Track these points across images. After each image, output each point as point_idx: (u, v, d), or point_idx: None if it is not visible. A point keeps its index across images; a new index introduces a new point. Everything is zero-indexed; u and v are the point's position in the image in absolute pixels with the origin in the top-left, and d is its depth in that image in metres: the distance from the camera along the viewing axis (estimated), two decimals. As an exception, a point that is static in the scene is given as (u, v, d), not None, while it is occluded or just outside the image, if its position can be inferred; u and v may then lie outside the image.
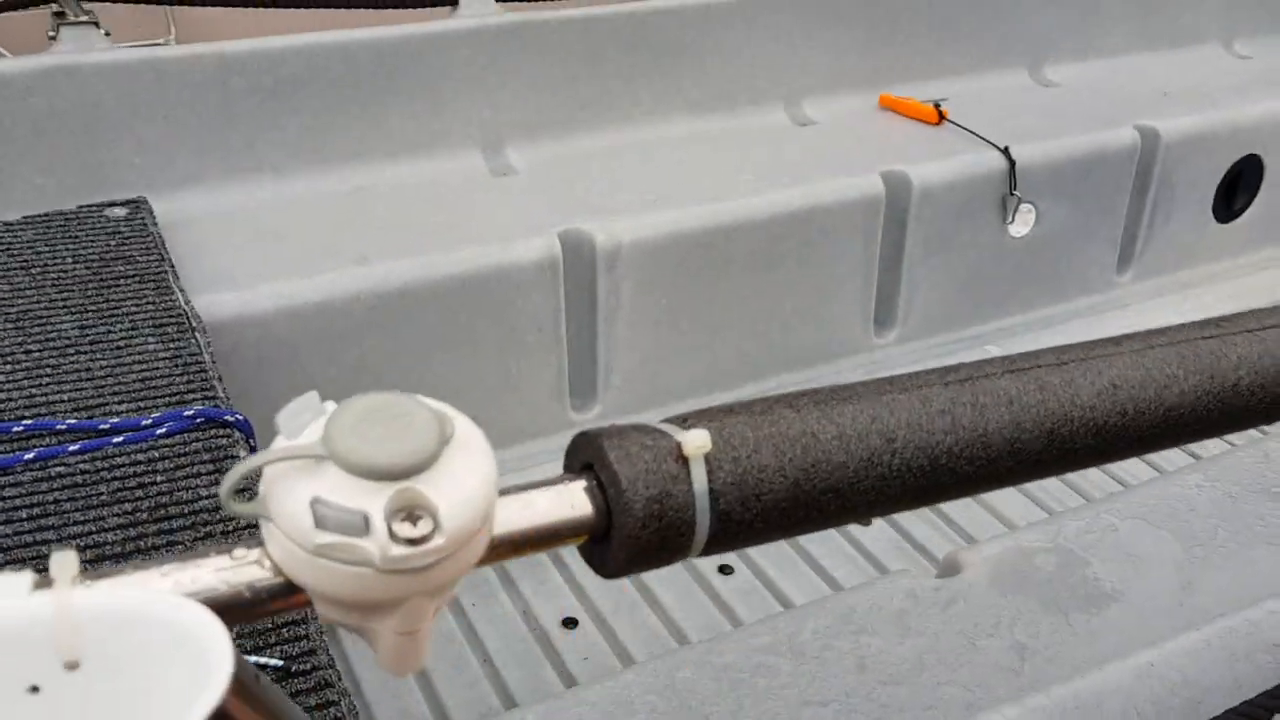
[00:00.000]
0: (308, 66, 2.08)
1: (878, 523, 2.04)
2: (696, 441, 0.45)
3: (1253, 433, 2.42)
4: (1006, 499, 2.07)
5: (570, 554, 1.95)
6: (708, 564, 1.91)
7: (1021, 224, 2.51)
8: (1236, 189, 2.83)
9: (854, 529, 1.99)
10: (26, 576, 0.36)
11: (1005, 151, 2.42)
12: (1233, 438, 2.38)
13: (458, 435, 0.39)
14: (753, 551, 1.95)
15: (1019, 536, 1.22)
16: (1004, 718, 0.84)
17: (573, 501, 0.45)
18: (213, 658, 0.34)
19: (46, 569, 0.37)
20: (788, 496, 0.47)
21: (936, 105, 2.57)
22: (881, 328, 2.47)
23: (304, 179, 2.10)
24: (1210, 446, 2.20)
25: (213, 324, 1.66)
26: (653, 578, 1.88)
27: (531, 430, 2.12)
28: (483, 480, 0.39)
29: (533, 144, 2.33)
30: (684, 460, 0.45)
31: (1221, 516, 1.24)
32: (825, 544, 1.95)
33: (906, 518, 2.02)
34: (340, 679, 1.02)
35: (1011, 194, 2.43)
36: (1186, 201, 2.74)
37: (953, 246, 2.44)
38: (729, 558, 1.94)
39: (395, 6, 2.15)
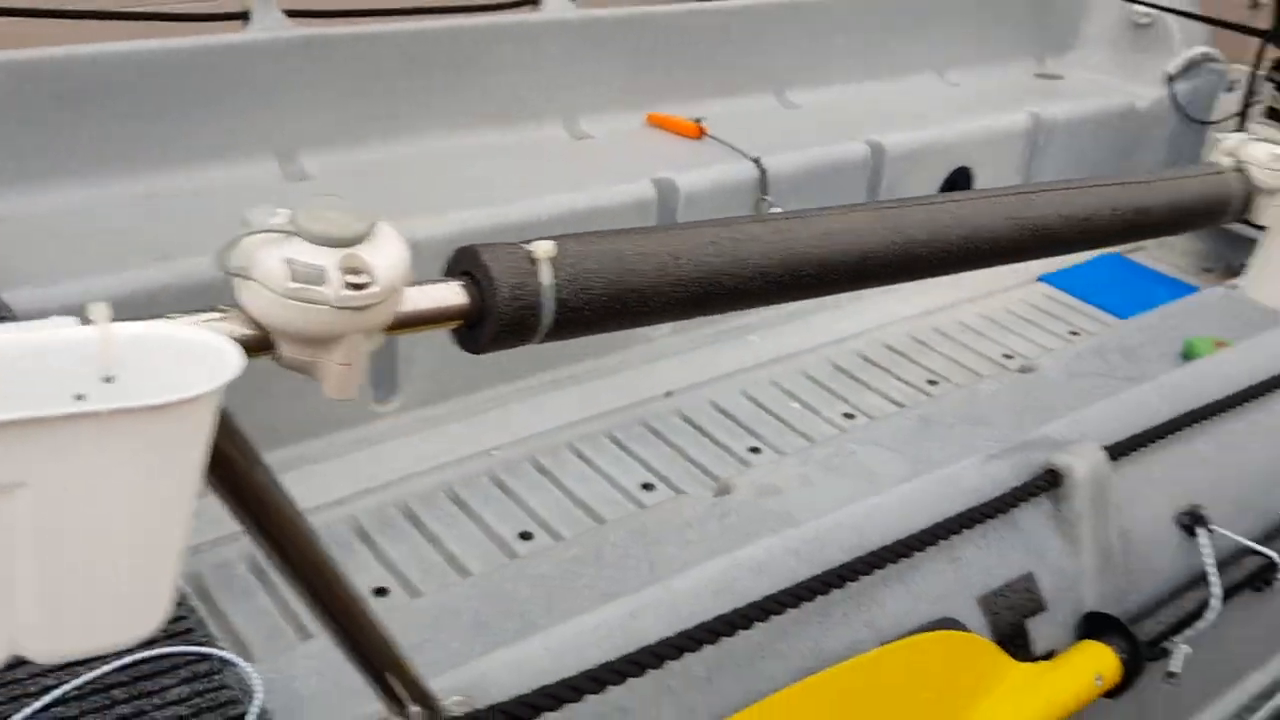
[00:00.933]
0: (102, 75, 2.13)
1: (672, 453, 2.32)
2: (544, 248, 0.64)
3: (967, 374, 2.82)
4: (777, 432, 2.39)
5: (380, 530, 2.07)
6: (510, 533, 2.08)
7: (775, 225, 2.82)
8: (955, 188, 3.27)
9: (653, 458, 2.27)
10: (71, 319, 0.51)
11: (757, 161, 2.73)
12: (952, 381, 2.76)
13: (381, 226, 0.56)
14: (555, 518, 2.14)
15: (780, 462, 1.46)
16: (732, 561, 1.03)
17: (456, 293, 0.63)
18: (226, 359, 0.50)
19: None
20: (606, 293, 0.66)
21: (698, 122, 2.87)
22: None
23: (101, 183, 2.14)
24: (933, 390, 2.59)
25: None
26: (462, 550, 2.03)
27: (335, 422, 2.23)
28: (401, 253, 0.56)
29: (328, 152, 2.45)
30: (535, 262, 0.64)
31: (938, 440, 1.49)
32: (631, 474, 2.20)
33: (693, 448, 2.34)
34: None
35: (763, 198, 2.75)
36: (910, 205, 3.15)
37: (717, 246, 2.72)
38: (530, 524, 2.12)
39: (192, 20, 2.24)
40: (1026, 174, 3.41)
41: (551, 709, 0.77)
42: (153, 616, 0.49)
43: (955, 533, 1.05)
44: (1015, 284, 3.36)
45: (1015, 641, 1.08)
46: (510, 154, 2.68)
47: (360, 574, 1.93)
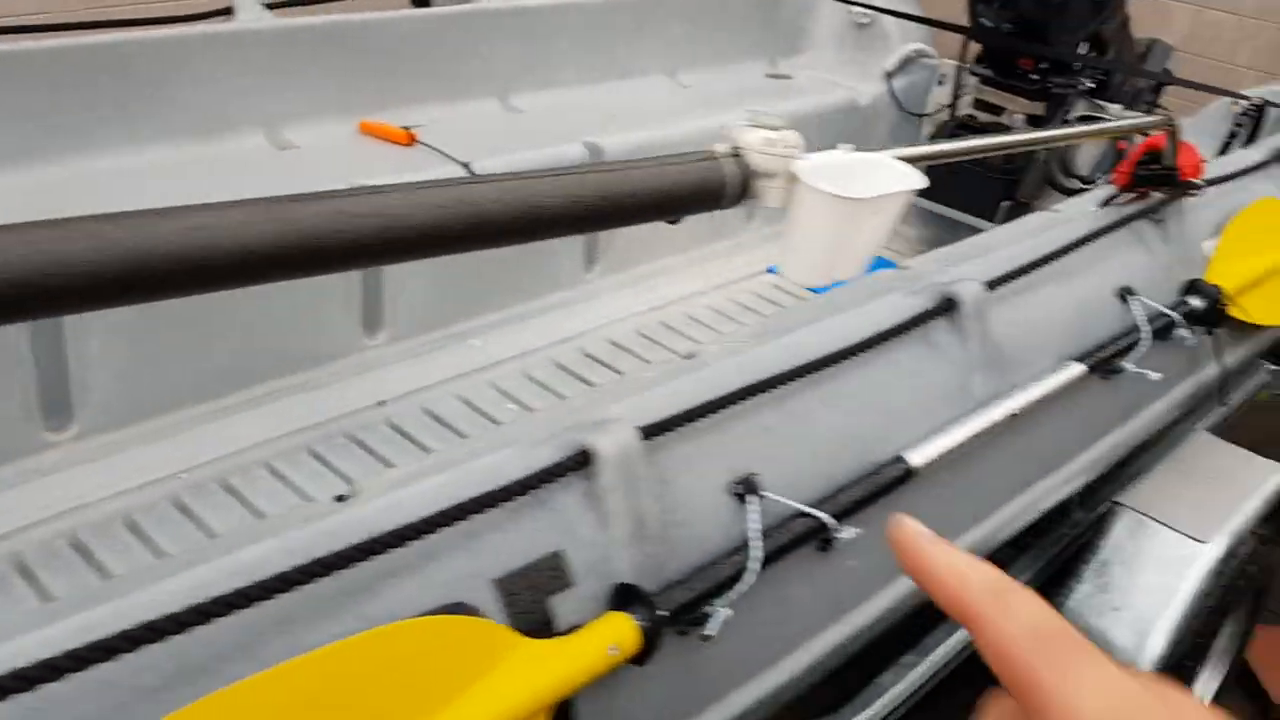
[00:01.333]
0: None
1: (375, 463, 2.33)
2: None
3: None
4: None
5: (43, 565, 1.99)
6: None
7: (489, 229, 2.84)
8: (678, 194, 3.36)
9: (355, 470, 2.26)
10: None
11: (466, 166, 2.75)
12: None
13: None
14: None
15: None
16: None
17: None
18: None
19: None
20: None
21: (408, 129, 2.87)
22: (371, 330, 2.70)
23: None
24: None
25: None
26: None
27: (2, 453, 2.13)
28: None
29: (14, 171, 2.33)
30: None
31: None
32: (328, 488, 2.17)
33: (400, 456, 2.36)
34: None
35: (474, 202, 2.76)
36: (637, 206, 3.22)
37: (428, 252, 2.72)
38: (210, 542, 2.07)
39: None
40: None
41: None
42: None
43: (471, 516, 1.07)
44: (746, 275, 3.48)
45: (539, 619, 1.11)
46: (209, 167, 2.62)
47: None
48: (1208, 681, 2.60)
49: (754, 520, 1.27)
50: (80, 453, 2.21)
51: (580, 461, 1.17)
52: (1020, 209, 3.41)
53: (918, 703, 2.07)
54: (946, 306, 1.62)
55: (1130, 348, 1.90)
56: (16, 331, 2.08)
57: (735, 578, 1.24)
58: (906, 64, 3.94)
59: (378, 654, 0.96)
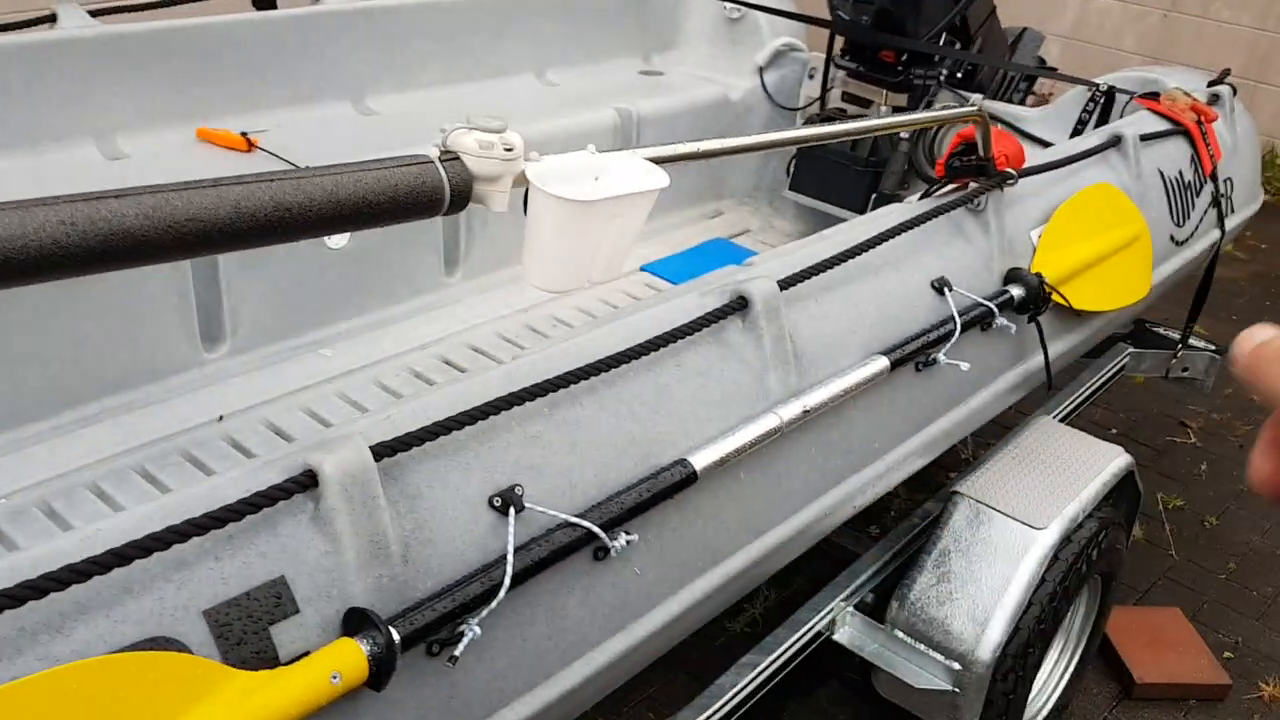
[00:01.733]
0: None
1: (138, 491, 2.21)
2: None
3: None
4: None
5: None
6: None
7: (337, 237, 2.78)
8: (541, 194, 3.32)
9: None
10: None
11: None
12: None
13: None
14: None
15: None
16: None
17: None
18: None
19: None
20: None
21: (245, 135, 2.79)
22: (211, 343, 2.62)
23: None
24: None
25: None
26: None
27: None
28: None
29: None
30: None
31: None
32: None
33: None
34: None
35: (317, 209, 2.69)
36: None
37: (269, 262, 2.65)
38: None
39: None
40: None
41: None
42: None
43: (181, 543, 1.02)
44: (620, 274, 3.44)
45: (254, 651, 1.06)
46: (37, 178, 2.52)
47: None
48: (1060, 663, 2.63)
49: (511, 533, 1.24)
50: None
51: (305, 483, 1.12)
52: (885, 200, 3.43)
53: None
54: (739, 305, 1.60)
55: (944, 339, 1.90)
56: None
57: (490, 594, 1.20)
58: (777, 58, 3.94)
59: (59, 694, 0.91)
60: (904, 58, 3.49)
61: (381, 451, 1.17)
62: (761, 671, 2.02)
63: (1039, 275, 2.11)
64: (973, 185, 2.08)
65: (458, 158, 1.13)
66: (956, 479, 2.33)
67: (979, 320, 1.98)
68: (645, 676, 1.86)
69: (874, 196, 3.56)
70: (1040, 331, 2.15)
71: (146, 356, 2.48)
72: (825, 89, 3.75)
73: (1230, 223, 3.01)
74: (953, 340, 1.88)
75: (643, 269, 3.49)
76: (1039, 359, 2.23)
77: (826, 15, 3.59)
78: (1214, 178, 2.89)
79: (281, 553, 1.11)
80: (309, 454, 1.14)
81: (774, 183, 3.89)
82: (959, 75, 3.68)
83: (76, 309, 2.33)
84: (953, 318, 1.91)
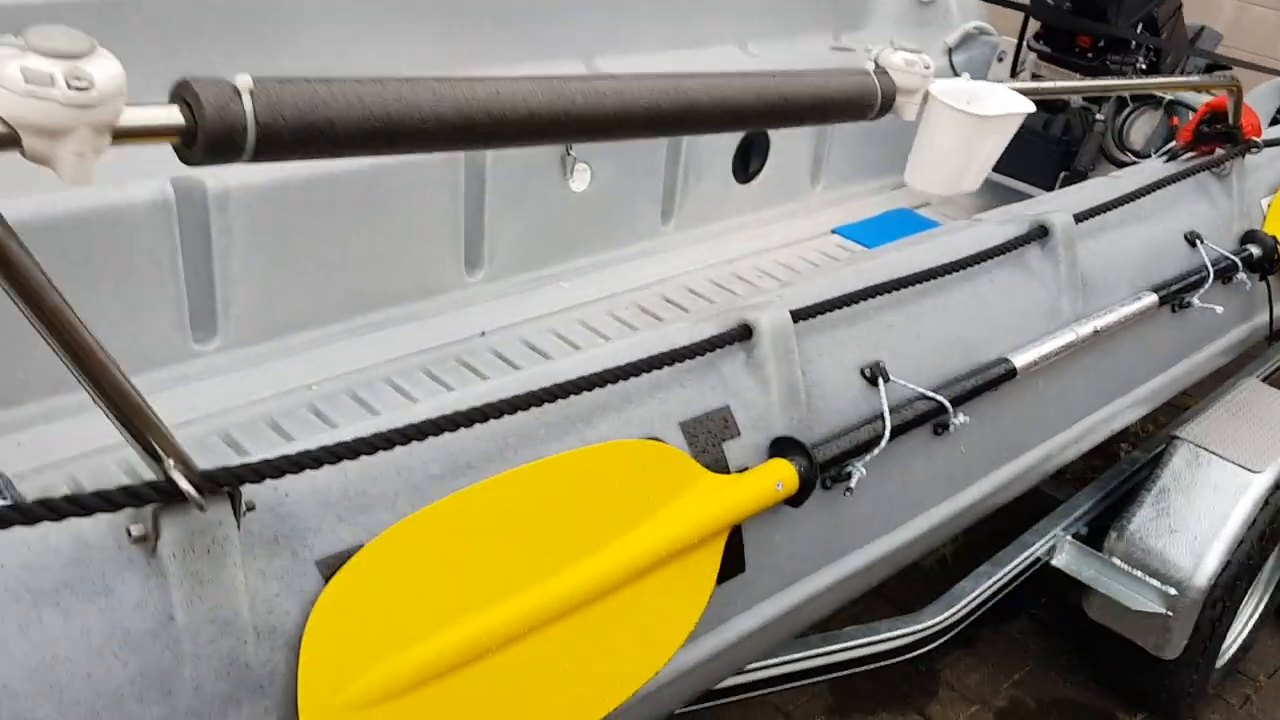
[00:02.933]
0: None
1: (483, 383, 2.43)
2: (245, 81, 0.82)
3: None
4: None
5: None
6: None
7: (579, 180, 3.03)
8: (749, 156, 3.54)
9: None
10: None
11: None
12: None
13: (99, 47, 0.73)
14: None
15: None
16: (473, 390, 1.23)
17: (174, 115, 0.80)
18: None
19: None
20: (301, 120, 0.84)
21: (505, 83, 3.05)
22: (472, 268, 2.89)
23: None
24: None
25: None
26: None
27: (157, 360, 2.33)
28: (117, 67, 0.73)
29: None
30: (238, 92, 0.82)
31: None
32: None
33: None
34: None
35: (568, 154, 2.95)
36: (712, 166, 3.41)
37: (526, 199, 2.91)
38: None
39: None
40: (816, 136, 3.70)
41: (296, 471, 0.95)
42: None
43: (658, 369, 1.27)
44: (811, 236, 3.65)
45: (714, 459, 1.30)
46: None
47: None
48: (1252, 604, 2.78)
49: (884, 398, 1.46)
50: (223, 364, 2.41)
51: (743, 334, 1.36)
52: (1077, 179, 3.58)
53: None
54: (1040, 234, 1.81)
55: (1197, 285, 2.08)
56: (170, 252, 2.28)
57: (870, 444, 1.43)
58: (966, 40, 4.10)
59: (596, 465, 1.15)
60: (1100, 44, 3.63)
61: (796, 315, 1.40)
62: (996, 581, 2.21)
63: (1274, 238, 2.27)
64: (1218, 151, 2.25)
65: (886, 72, 1.35)
66: (1172, 425, 2.50)
67: (1224, 273, 2.15)
68: (847, 607, 2.06)
69: (1063, 175, 3.71)
70: (1269, 289, 2.31)
71: (421, 276, 2.76)
72: (1015, 72, 3.90)
73: None
74: (1205, 286, 2.06)
75: (834, 231, 3.70)
76: (1263, 316, 2.39)
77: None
78: None
79: (725, 388, 1.34)
80: (745, 312, 1.37)
81: (958, 159, 4.05)
82: (1144, 66, 3.81)
83: (372, 228, 2.61)
84: (1205, 267, 2.08)
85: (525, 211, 2.92)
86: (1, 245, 0.73)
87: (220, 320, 2.41)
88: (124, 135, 0.76)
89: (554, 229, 3.03)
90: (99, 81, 0.72)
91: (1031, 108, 1.47)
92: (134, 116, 0.77)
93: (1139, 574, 2.35)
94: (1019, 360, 1.65)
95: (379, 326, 2.68)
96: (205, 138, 0.80)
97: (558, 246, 3.05)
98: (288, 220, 2.44)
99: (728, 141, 3.40)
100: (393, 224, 2.64)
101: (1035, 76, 3.89)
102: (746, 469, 1.31)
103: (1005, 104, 1.45)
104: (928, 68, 1.36)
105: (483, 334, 2.78)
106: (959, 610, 2.10)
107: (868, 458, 1.42)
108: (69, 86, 0.70)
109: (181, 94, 0.81)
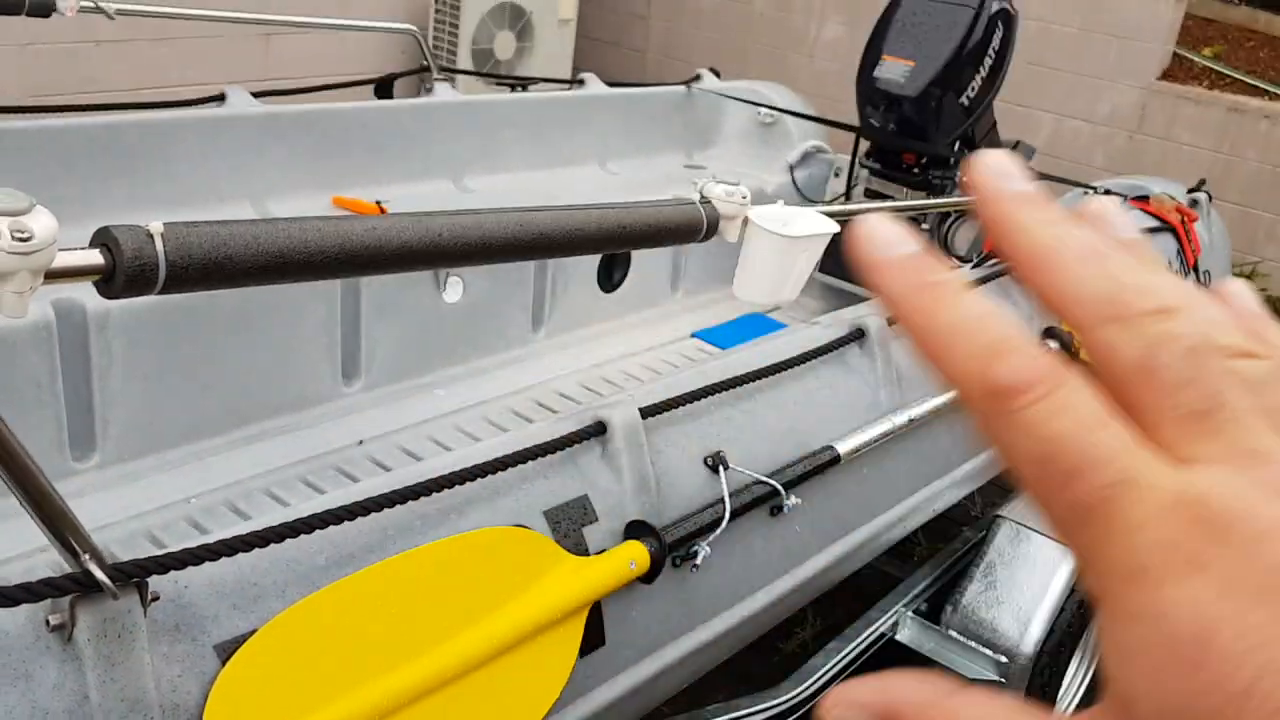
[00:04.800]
0: None
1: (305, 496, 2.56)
2: (156, 227, 0.98)
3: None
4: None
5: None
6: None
7: (453, 292, 3.21)
8: (613, 268, 3.78)
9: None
10: None
11: (433, 236, 3.12)
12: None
13: (38, 205, 0.88)
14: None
15: None
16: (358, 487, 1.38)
17: (96, 256, 0.95)
18: None
19: None
20: (205, 258, 1.00)
21: (378, 203, 3.23)
22: (349, 379, 3.02)
23: None
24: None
25: None
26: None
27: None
28: (52, 221, 0.88)
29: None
30: (150, 235, 0.97)
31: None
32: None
33: None
34: None
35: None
36: (578, 277, 3.63)
37: (401, 310, 3.07)
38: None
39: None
40: (673, 249, 3.97)
41: (196, 563, 1.07)
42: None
43: (523, 463, 1.43)
44: (672, 339, 3.89)
45: (575, 542, 1.46)
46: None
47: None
48: (1079, 670, 3.03)
49: (725, 484, 1.65)
50: (101, 480, 2.46)
51: (598, 430, 1.54)
52: (909, 282, 3.92)
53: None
54: (858, 335, 2.05)
55: (1003, 376, 2.36)
56: (50, 372, 2.35)
57: (714, 524, 1.61)
58: (806, 158, 4.47)
59: (468, 550, 1.31)
60: (923, 160, 4.03)
61: (645, 412, 1.59)
62: (843, 657, 2.40)
63: (1070, 332, 2.58)
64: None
65: (710, 202, 1.58)
66: (997, 507, 2.76)
67: (1027, 364, 2.44)
68: (710, 682, 2.22)
69: (897, 279, 4.06)
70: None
71: (298, 387, 2.87)
72: (850, 186, 4.27)
73: (1209, 307, 3.53)
74: (1010, 376, 2.33)
75: (693, 335, 3.94)
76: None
77: (849, 121, 4.13)
78: (1196, 269, 3.42)
79: (584, 478, 1.52)
80: (599, 410, 1.55)
81: (806, 266, 4.38)
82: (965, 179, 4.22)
83: (250, 343, 2.72)
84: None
85: (400, 322, 3.07)
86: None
87: (99, 438, 2.47)
88: (54, 275, 0.90)
89: (429, 339, 3.18)
90: (38, 232, 0.87)
91: (836, 228, 1.71)
92: (63, 259, 0.91)
93: (973, 644, 2.58)
94: (843, 447, 1.87)
95: (258, 439, 2.77)
96: (123, 276, 0.94)
97: (432, 355, 3.20)
98: (166, 337, 2.54)
99: (591, 255, 3.63)
100: (270, 336, 2.76)
101: (868, 191, 4.26)
102: (604, 550, 1.48)
103: (814, 225, 1.68)
104: (744, 197, 1.59)
105: (360, 443, 2.89)
106: (812, 684, 2.28)
107: (711, 537, 1.60)
108: (12, 237, 0.86)
109: (102, 239, 0.96)
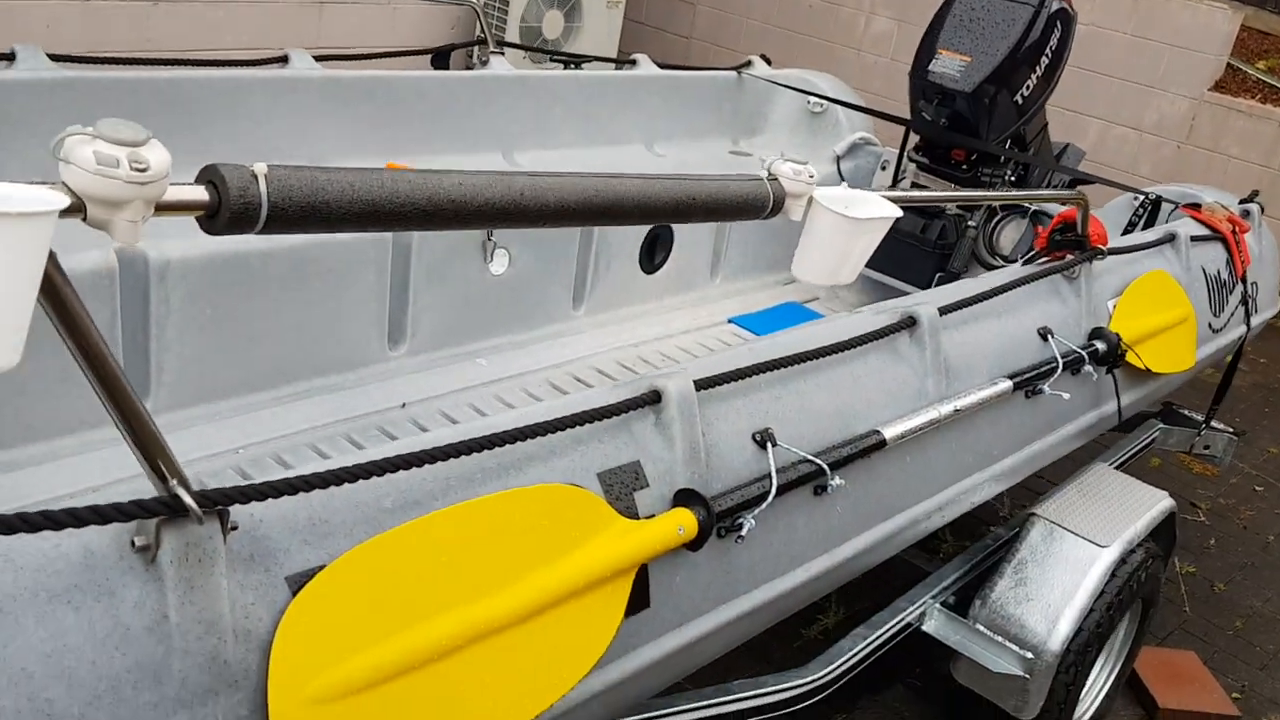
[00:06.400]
0: None
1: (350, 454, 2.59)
2: (261, 168, 1.01)
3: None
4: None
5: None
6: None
7: (498, 264, 3.24)
8: (655, 249, 3.80)
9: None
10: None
11: (483, 207, 3.15)
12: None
13: (154, 139, 0.92)
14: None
15: None
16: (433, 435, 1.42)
17: (202, 193, 0.98)
18: (54, 204, 0.84)
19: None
20: (304, 201, 1.03)
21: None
22: (395, 343, 3.06)
23: None
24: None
25: None
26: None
27: (91, 421, 2.44)
28: (165, 155, 0.92)
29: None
30: (255, 176, 1.01)
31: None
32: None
33: None
34: None
35: (489, 239, 3.16)
36: (620, 256, 3.66)
37: (448, 279, 3.11)
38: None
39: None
40: (715, 234, 3.99)
41: (275, 495, 1.11)
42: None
43: (580, 425, 1.46)
44: (709, 324, 3.92)
45: (626, 505, 1.50)
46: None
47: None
48: (1102, 676, 3.04)
49: (771, 460, 1.68)
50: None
51: (653, 399, 1.57)
52: (950, 279, 3.93)
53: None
54: (909, 323, 2.07)
55: (1047, 374, 2.37)
56: (110, 318, 2.41)
57: (760, 499, 1.64)
58: (853, 149, 4.47)
59: (525, 504, 1.34)
60: (973, 157, 4.02)
61: (699, 385, 1.62)
62: (871, 641, 2.43)
63: (1117, 334, 2.59)
64: (1069, 256, 2.57)
65: (777, 179, 1.60)
66: (1032, 505, 2.77)
67: (1072, 364, 2.45)
68: (731, 664, 2.25)
69: (938, 275, 4.06)
70: (1115, 381, 2.62)
71: (346, 350, 2.92)
72: (896, 180, 4.27)
73: (1255, 320, 3.52)
74: (1055, 376, 2.35)
75: (730, 321, 3.97)
76: (1112, 405, 2.70)
77: (901, 114, 4.13)
78: (1244, 280, 3.41)
79: (637, 445, 1.55)
80: (655, 380, 1.58)
81: (847, 258, 4.38)
82: (1013, 178, 4.21)
83: (301, 303, 2.77)
84: (1055, 359, 2.37)
85: (446, 291, 3.11)
86: (61, 294, 0.90)
87: (153, 384, 2.53)
88: (164, 208, 0.94)
89: (473, 309, 3.22)
90: (153, 164, 0.91)
91: (899, 213, 1.73)
92: (173, 194, 0.95)
93: (1000, 639, 2.59)
94: (889, 432, 1.89)
95: (304, 395, 2.81)
96: (228, 213, 0.98)
97: (476, 325, 3.24)
98: (222, 292, 2.59)
99: (635, 235, 3.66)
100: (321, 298, 2.80)
101: (915, 185, 4.26)
102: (653, 515, 1.51)
103: (877, 209, 1.70)
104: (811, 176, 1.62)
105: (403, 405, 2.94)
106: (838, 667, 2.30)
107: (757, 511, 1.63)
108: (131, 168, 0.89)
109: (209, 177, 0.99)
